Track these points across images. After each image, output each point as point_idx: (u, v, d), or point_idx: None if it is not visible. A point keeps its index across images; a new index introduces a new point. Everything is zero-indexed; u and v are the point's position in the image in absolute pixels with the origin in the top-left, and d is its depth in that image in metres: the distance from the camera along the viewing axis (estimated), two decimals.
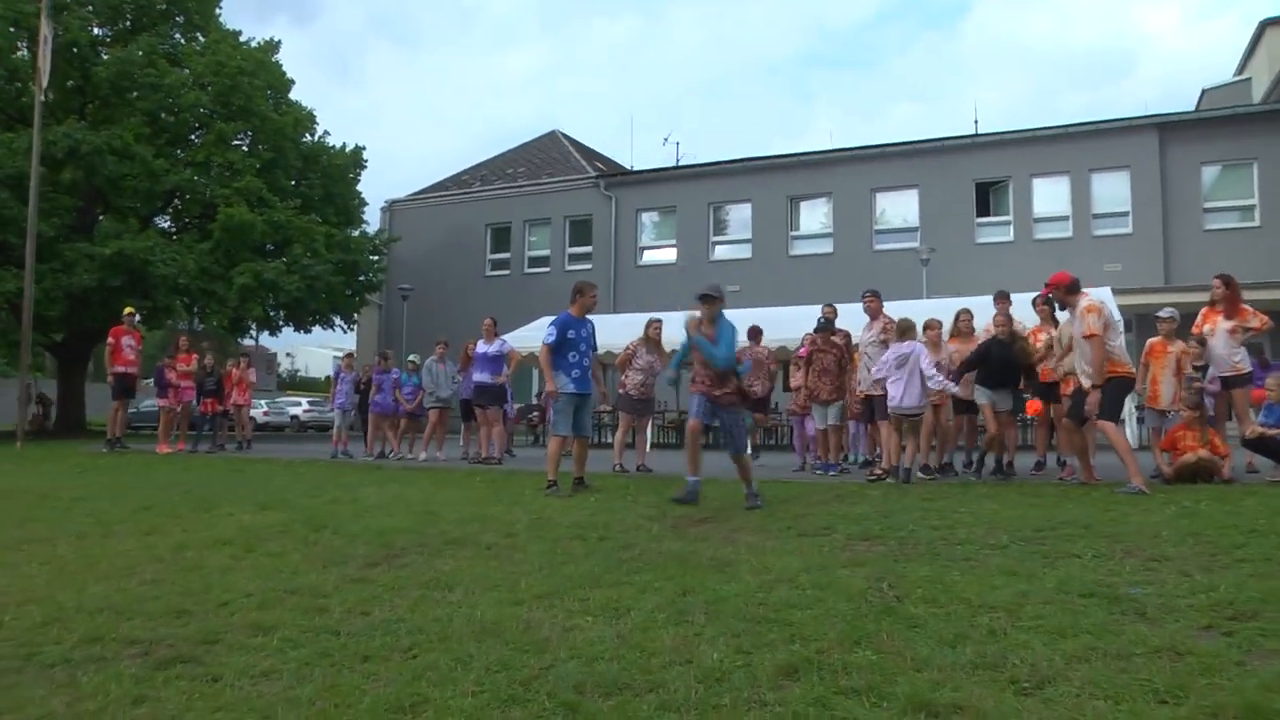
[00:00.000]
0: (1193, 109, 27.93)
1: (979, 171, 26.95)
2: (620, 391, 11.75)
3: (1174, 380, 9.48)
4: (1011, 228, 26.50)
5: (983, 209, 27.00)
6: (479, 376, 13.01)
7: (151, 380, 19.80)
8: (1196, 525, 5.67)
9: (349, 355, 16.44)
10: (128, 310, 17.52)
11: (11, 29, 24.97)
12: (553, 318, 9.39)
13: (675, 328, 12.65)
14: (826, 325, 11.02)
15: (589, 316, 9.13)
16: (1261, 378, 9.81)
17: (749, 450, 6.98)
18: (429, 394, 14.25)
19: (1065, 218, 25.90)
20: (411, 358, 14.97)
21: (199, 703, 2.73)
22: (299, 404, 39.97)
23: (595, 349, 9.08)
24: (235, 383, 17.54)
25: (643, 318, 12.80)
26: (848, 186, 28.16)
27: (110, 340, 16.96)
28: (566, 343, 8.79)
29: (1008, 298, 10.47)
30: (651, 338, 11.79)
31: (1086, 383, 8.33)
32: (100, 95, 26.42)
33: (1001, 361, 9.55)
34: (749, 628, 3.35)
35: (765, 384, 12.48)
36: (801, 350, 11.68)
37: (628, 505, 7.45)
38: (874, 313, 10.73)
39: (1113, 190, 25.63)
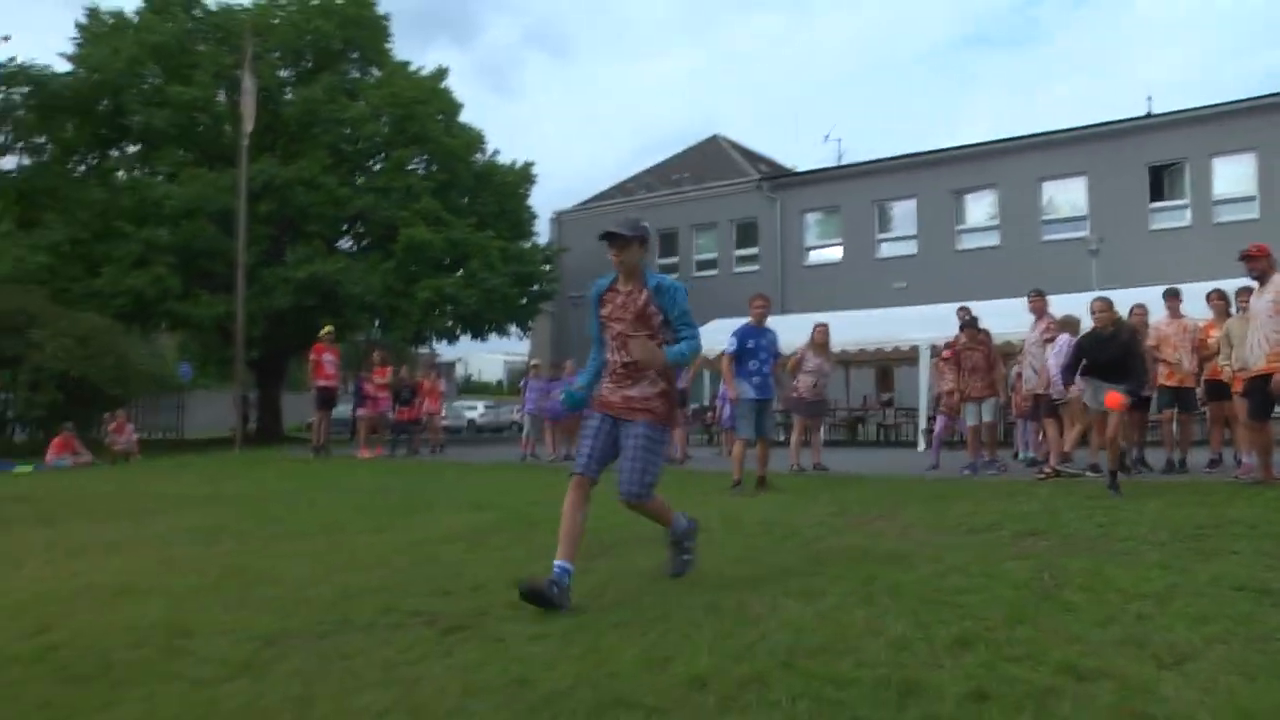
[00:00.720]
0: None
1: (1152, 155, 26.12)
2: (792, 395, 12.36)
3: None
4: (1189, 212, 25.60)
5: (1156, 193, 26.19)
6: None
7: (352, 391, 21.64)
8: None
9: (535, 365, 17.58)
10: (327, 328, 19.12)
11: (213, 78, 27.42)
12: (731, 322, 10.10)
13: (841, 329, 13.17)
14: (971, 323, 11.35)
15: (769, 325, 9.77)
16: None
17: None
18: None
19: (1251, 198, 24.81)
20: None
21: (494, 657, 3.53)
22: (475, 408, 41.97)
23: (777, 356, 9.71)
24: (427, 392, 19.02)
25: (811, 319, 13.37)
26: (1013, 177, 27.78)
27: (313, 357, 18.62)
28: (746, 352, 9.47)
29: (1179, 296, 10.53)
30: (818, 341, 12.36)
31: (1258, 363, 8.26)
32: (288, 132, 28.70)
33: (1103, 358, 8.71)
34: (926, 608, 3.96)
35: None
36: (946, 352, 12.02)
37: (808, 503, 8.08)
38: (1039, 312, 11.01)
39: None
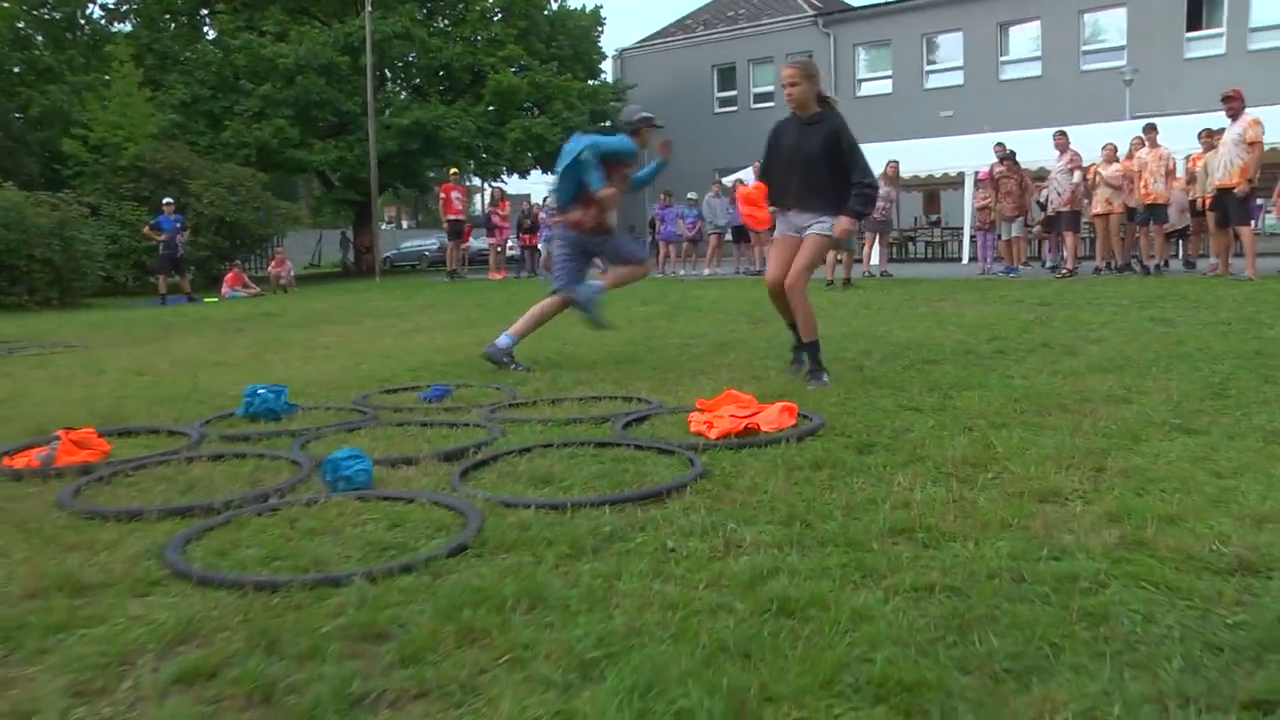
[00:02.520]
0: None
1: None
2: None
3: None
4: (1224, 40, 27.40)
5: (1194, 23, 27.94)
6: None
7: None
8: (1259, 295, 9.10)
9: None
10: (453, 170, 22.36)
11: None
12: None
13: (891, 157, 15.99)
14: (1010, 155, 14.40)
15: None
16: None
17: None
18: (708, 223, 18.46)
19: None
20: (691, 194, 19.12)
21: (739, 357, 6.90)
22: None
23: None
24: (544, 222, 22.28)
25: (863, 149, 16.22)
26: (1056, 8, 29.56)
27: (441, 195, 21.91)
28: None
29: (1156, 130, 13.24)
30: (889, 174, 15.39)
31: (1224, 180, 11.18)
32: None
33: (803, 152, 5.38)
34: (973, 330, 7.35)
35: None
36: (981, 174, 15.11)
37: (885, 294, 11.42)
38: (1062, 147, 13.89)
39: None
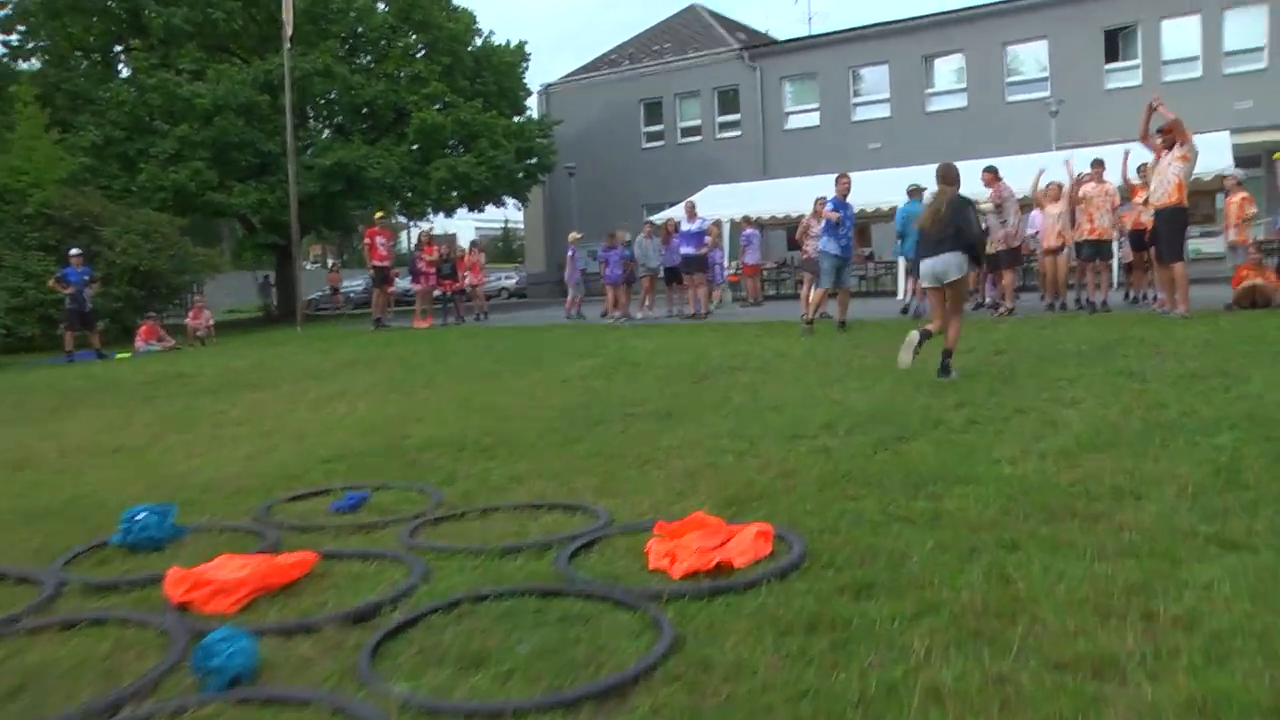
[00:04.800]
0: None
1: (1107, 18, 28.24)
2: (803, 257, 15.11)
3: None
4: (1140, 72, 27.91)
5: (1111, 55, 28.47)
6: (685, 249, 16.59)
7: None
8: (1215, 337, 8.80)
9: (576, 236, 20.09)
10: (379, 214, 21.55)
11: None
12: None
13: (819, 191, 15.66)
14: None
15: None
16: None
17: None
18: (640, 265, 17.92)
19: (1195, 58, 27.09)
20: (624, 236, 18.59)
21: (700, 426, 6.35)
22: (512, 277, 44.25)
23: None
24: (469, 266, 21.57)
25: (791, 183, 15.84)
26: (979, 42, 29.91)
27: (367, 240, 21.01)
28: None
29: (1103, 164, 13.04)
30: (819, 213, 14.99)
31: (1162, 200, 10.82)
32: (298, 26, 30.18)
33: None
34: (934, 395, 6.85)
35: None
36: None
37: (829, 340, 10.95)
38: (989, 184, 13.61)
39: (1247, 27, 26.55)
